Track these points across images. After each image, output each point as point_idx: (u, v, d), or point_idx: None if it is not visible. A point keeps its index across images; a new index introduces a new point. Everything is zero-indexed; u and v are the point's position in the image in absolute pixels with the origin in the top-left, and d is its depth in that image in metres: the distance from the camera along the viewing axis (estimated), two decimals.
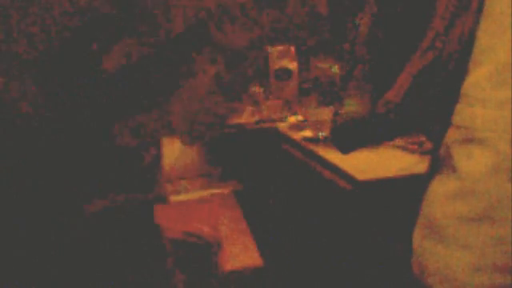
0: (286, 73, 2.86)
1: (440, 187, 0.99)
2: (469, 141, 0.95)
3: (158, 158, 1.09)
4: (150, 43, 0.94)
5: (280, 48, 2.88)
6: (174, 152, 2.36)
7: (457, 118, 0.97)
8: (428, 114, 1.02)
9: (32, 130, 0.92)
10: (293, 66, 2.86)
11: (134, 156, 1.01)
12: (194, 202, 2.32)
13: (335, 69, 2.66)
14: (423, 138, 2.04)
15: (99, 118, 0.94)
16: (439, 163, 1.01)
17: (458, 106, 0.97)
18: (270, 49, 2.90)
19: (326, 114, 2.27)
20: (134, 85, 0.95)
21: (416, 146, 2.07)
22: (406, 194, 1.24)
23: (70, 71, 0.92)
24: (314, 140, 2.34)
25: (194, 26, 0.97)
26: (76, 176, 0.97)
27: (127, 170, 1.01)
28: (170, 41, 0.96)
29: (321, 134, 2.32)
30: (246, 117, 2.68)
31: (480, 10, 0.96)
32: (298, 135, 2.45)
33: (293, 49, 2.89)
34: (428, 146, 1.92)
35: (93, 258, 1.01)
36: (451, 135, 0.98)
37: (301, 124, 2.59)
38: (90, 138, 0.95)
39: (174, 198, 2.31)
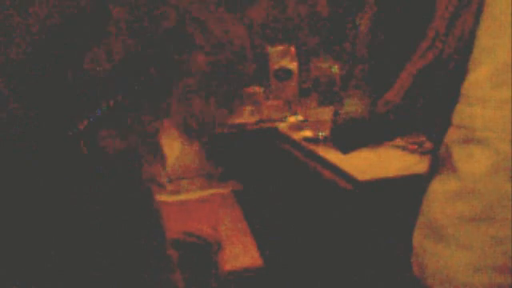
0: (286, 73, 2.86)
1: (440, 187, 0.99)
2: (469, 141, 0.95)
3: (159, 155, 1.08)
4: (136, 40, 0.93)
5: (280, 48, 2.88)
6: (173, 152, 2.36)
7: (457, 118, 0.97)
8: (428, 113, 1.02)
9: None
10: (293, 66, 2.86)
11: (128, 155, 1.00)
12: (194, 201, 2.32)
13: (335, 69, 2.66)
14: (423, 138, 2.04)
15: (88, 123, 0.94)
16: (439, 163, 1.01)
17: (458, 106, 0.97)
18: (269, 49, 2.90)
19: (326, 114, 2.27)
20: (121, 84, 0.94)
21: (416, 146, 2.07)
22: (406, 194, 1.24)
23: (47, 73, 0.91)
24: (314, 140, 2.34)
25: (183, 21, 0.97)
26: (63, 180, 0.96)
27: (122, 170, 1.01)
28: (157, 38, 0.95)
29: (321, 134, 2.32)
30: (245, 117, 2.68)
31: (480, 10, 0.96)
32: (298, 135, 2.45)
33: (293, 49, 2.89)
34: (428, 145, 1.92)
35: (91, 255, 1.01)
36: (451, 135, 0.98)
37: (301, 124, 2.59)
38: (75, 144, 0.94)
39: (173, 198, 2.31)
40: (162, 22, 0.94)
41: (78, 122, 0.92)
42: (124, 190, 1.02)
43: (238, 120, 2.65)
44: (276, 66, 2.86)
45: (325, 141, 2.27)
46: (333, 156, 2.06)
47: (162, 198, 2.27)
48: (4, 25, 0.89)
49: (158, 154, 1.07)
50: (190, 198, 2.34)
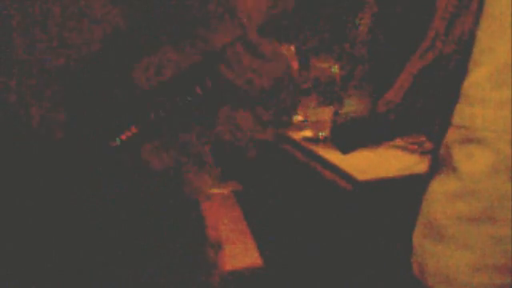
0: None
1: (440, 187, 0.99)
2: (469, 141, 0.95)
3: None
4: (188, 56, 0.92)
5: None
6: None
7: (457, 118, 0.97)
8: (428, 113, 1.02)
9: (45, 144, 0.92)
10: (293, 65, 2.86)
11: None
12: None
13: (335, 69, 2.66)
14: (423, 138, 2.04)
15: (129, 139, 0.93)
16: (439, 163, 1.01)
17: (458, 106, 0.97)
18: None
19: (326, 113, 2.27)
20: (170, 102, 0.93)
21: (416, 146, 2.07)
22: (406, 193, 1.24)
23: (95, 87, 0.90)
24: (314, 140, 2.34)
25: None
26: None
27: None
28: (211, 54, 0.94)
29: (321, 134, 2.32)
30: None
31: (480, 10, 0.96)
32: (298, 135, 2.45)
33: (293, 49, 2.89)
34: (428, 145, 1.92)
35: (92, 254, 1.01)
36: (451, 135, 0.98)
37: (301, 124, 2.59)
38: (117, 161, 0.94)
39: None
40: (210, 41, 0.93)
41: (121, 133, 0.91)
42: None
43: None
44: None
45: (325, 141, 2.27)
46: (333, 156, 2.06)
47: None
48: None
49: (206, 165, 1.06)
50: None
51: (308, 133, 2.41)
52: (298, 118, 2.68)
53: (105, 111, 0.90)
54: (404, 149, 2.09)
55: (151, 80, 0.90)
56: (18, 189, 0.95)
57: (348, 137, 1.09)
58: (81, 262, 0.99)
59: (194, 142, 0.98)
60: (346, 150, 1.12)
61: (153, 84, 0.90)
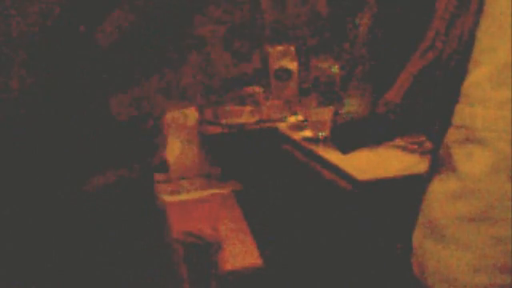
0: (286, 73, 2.86)
1: (440, 187, 0.99)
2: (469, 141, 0.95)
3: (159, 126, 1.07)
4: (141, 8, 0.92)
5: (280, 48, 2.88)
6: (174, 152, 2.36)
7: (457, 118, 0.97)
8: (428, 113, 1.02)
9: (20, 108, 0.91)
10: (293, 66, 2.86)
11: (133, 127, 0.99)
12: (194, 201, 2.32)
13: (335, 69, 2.66)
14: (423, 138, 2.04)
15: (94, 93, 0.93)
16: (439, 163, 1.01)
17: (458, 106, 0.97)
18: (269, 49, 2.90)
19: (326, 113, 2.27)
20: (131, 56, 0.93)
21: (416, 146, 2.07)
22: (406, 194, 1.24)
23: (61, 49, 0.90)
24: (314, 140, 2.34)
25: None
26: (72, 153, 0.96)
27: (127, 142, 1.00)
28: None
29: (321, 134, 2.32)
30: (245, 117, 2.68)
31: (480, 10, 0.96)
32: (298, 135, 2.45)
33: (293, 49, 2.89)
34: (428, 145, 1.92)
35: (92, 254, 1.01)
36: (451, 135, 0.98)
37: (301, 124, 2.59)
38: (85, 114, 0.93)
39: (173, 198, 2.31)
40: None
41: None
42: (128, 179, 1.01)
43: (238, 120, 2.65)
44: (276, 66, 2.86)
45: (325, 141, 2.27)
46: (333, 156, 2.06)
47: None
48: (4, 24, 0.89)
49: (161, 135, 1.06)
50: (190, 198, 2.34)
51: (308, 133, 2.41)
52: (298, 117, 2.69)
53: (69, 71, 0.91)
54: (404, 149, 2.09)
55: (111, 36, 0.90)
56: (17, 189, 0.95)
57: (348, 137, 1.09)
58: (81, 262, 0.99)
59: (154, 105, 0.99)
60: (345, 150, 1.12)
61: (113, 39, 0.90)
